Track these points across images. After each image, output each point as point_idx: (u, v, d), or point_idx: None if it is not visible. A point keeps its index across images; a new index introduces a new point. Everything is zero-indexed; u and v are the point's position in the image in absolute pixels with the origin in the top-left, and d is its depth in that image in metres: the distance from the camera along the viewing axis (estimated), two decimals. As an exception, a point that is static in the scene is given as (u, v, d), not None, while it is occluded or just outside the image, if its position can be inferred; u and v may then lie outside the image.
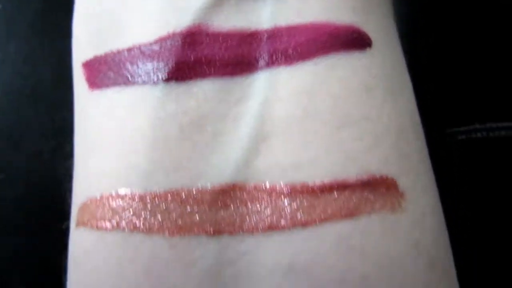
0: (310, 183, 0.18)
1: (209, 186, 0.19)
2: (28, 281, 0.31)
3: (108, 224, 0.19)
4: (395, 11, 0.23)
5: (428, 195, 0.20)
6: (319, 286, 0.18)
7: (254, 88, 0.19)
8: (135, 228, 0.18)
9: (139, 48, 0.20)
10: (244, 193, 0.19)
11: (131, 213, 0.18)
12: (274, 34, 0.20)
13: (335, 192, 0.18)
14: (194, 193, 0.18)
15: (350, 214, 0.18)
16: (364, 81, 0.20)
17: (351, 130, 0.19)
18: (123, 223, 0.18)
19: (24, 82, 0.35)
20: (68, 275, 0.20)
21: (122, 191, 0.19)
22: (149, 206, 0.18)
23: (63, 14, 0.25)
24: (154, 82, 0.19)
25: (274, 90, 0.19)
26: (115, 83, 0.20)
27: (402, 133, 0.20)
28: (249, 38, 0.20)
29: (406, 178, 0.19)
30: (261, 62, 0.20)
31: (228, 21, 0.20)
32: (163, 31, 0.20)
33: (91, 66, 0.21)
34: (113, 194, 0.19)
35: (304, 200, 0.18)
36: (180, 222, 0.18)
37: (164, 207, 0.18)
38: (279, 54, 0.19)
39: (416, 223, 0.19)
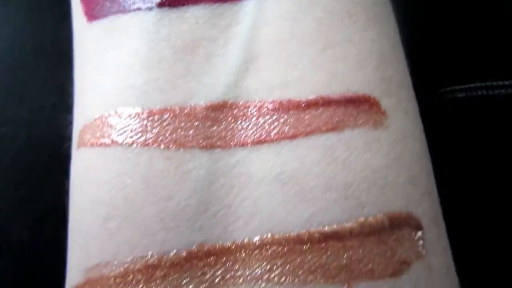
0: (297, 99, 0.20)
1: (201, 103, 0.20)
2: (30, 230, 0.32)
3: (107, 140, 0.20)
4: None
5: (409, 118, 0.22)
6: (306, 192, 0.19)
7: (243, 13, 0.21)
8: (132, 143, 0.19)
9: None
10: (235, 110, 0.20)
11: (129, 129, 0.20)
12: None
13: (320, 108, 0.20)
14: (188, 109, 0.20)
15: (335, 127, 0.20)
16: (346, 7, 0.21)
17: (335, 51, 0.20)
18: (121, 138, 0.20)
19: (25, 40, 0.36)
20: (70, 197, 0.21)
21: (120, 109, 0.20)
22: (145, 122, 0.20)
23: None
24: (148, 8, 0.20)
25: (262, 15, 0.21)
26: (111, 12, 0.21)
27: (384, 58, 0.21)
28: None
29: (388, 99, 0.21)
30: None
31: None
32: None
33: (88, 0, 0.22)
34: (112, 112, 0.20)
35: (291, 115, 0.20)
36: (174, 136, 0.19)
37: (159, 123, 0.20)
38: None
39: (398, 141, 0.20)
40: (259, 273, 0.18)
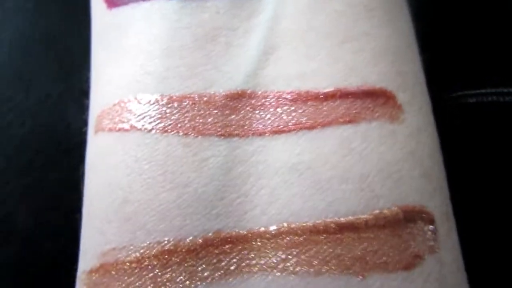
0: (315, 91, 0.20)
1: (221, 91, 0.20)
2: (35, 217, 0.32)
3: (126, 126, 0.20)
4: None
5: (423, 114, 0.22)
6: (322, 182, 0.19)
7: (264, 4, 0.21)
8: (151, 129, 0.20)
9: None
10: (253, 99, 0.20)
11: (148, 115, 0.20)
12: None
13: (337, 100, 0.20)
14: (207, 97, 0.20)
15: (352, 120, 0.20)
16: (364, 1, 0.21)
17: (353, 44, 0.20)
18: (140, 124, 0.20)
19: (34, 28, 0.36)
20: (86, 182, 0.21)
21: (140, 95, 0.20)
22: (164, 108, 0.20)
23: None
24: None
25: (282, 7, 0.21)
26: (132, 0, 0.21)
27: (399, 53, 0.21)
28: None
29: (403, 94, 0.21)
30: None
31: None
32: None
33: (109, -13, 0.22)
34: (131, 98, 0.20)
35: (309, 106, 0.20)
36: (193, 123, 0.20)
37: (178, 109, 0.20)
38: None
39: (412, 135, 0.21)
40: (274, 262, 0.19)
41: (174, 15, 0.20)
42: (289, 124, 0.19)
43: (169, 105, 0.20)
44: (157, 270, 0.19)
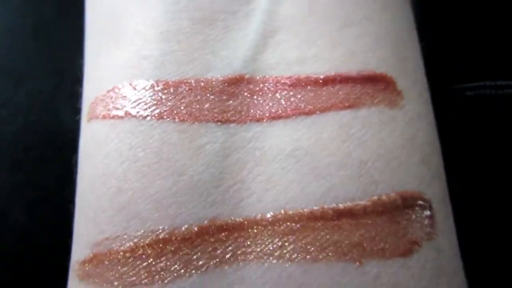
0: (314, 75, 0.20)
1: (218, 76, 0.20)
2: (29, 213, 0.32)
3: (120, 113, 0.19)
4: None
5: (422, 101, 0.22)
6: (321, 169, 0.19)
7: None
8: (146, 115, 0.19)
9: None
10: (251, 85, 0.20)
11: (143, 101, 0.19)
12: None
13: (337, 85, 0.20)
14: (204, 82, 0.19)
15: (351, 105, 0.19)
16: None
17: (353, 29, 0.20)
18: (135, 111, 0.19)
19: (25, 21, 0.35)
20: (79, 171, 0.21)
21: (135, 81, 0.20)
22: (160, 94, 0.19)
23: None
24: None
25: None
26: None
27: (400, 39, 0.21)
28: None
29: (403, 80, 0.21)
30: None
31: None
32: None
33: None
34: (126, 84, 0.20)
35: (308, 91, 0.19)
36: (189, 109, 0.19)
37: (174, 95, 0.19)
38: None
39: (412, 122, 0.20)
40: (270, 249, 0.18)
41: None
42: (288, 109, 0.19)
43: (165, 91, 0.19)
44: (151, 259, 0.18)
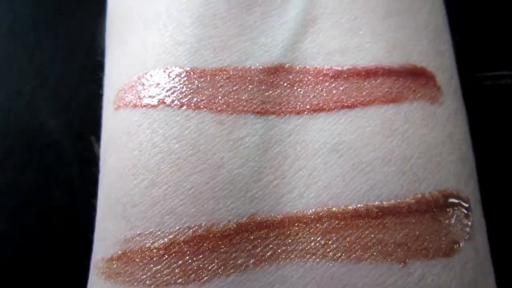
0: (357, 67, 0.19)
1: (257, 65, 0.19)
2: (12, 217, 0.30)
3: (154, 101, 0.18)
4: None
5: (458, 97, 0.21)
6: (364, 164, 0.18)
7: None
8: (182, 105, 0.18)
9: None
10: (291, 75, 0.19)
11: (178, 89, 0.18)
12: None
13: (380, 77, 0.19)
14: (243, 71, 0.18)
15: (394, 99, 0.19)
16: None
17: (394, 20, 0.19)
18: (170, 99, 0.18)
19: (1, 21, 0.33)
20: (103, 163, 0.20)
21: (169, 68, 0.18)
22: (196, 82, 0.18)
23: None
24: None
25: None
26: None
27: (438, 31, 0.21)
28: None
29: (442, 74, 0.20)
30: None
31: None
32: None
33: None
34: (160, 71, 0.18)
35: (350, 84, 0.19)
36: (227, 99, 0.18)
37: (212, 84, 0.18)
38: None
39: (451, 118, 0.20)
40: (313, 247, 0.18)
41: None
42: (329, 102, 0.18)
43: (202, 80, 0.18)
44: (187, 257, 0.17)
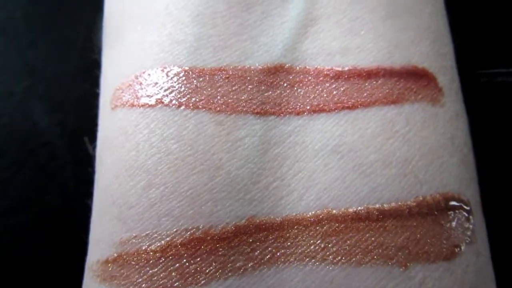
0: (358, 68, 0.18)
1: (257, 65, 0.18)
2: (5, 219, 0.30)
3: (151, 101, 0.18)
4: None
5: (459, 99, 0.21)
6: (365, 166, 0.18)
7: None
8: (180, 104, 0.18)
9: None
10: (291, 75, 0.18)
11: (176, 88, 0.18)
12: None
13: (381, 78, 0.19)
14: (242, 71, 0.18)
15: (395, 101, 0.19)
16: None
17: (396, 21, 0.19)
18: (168, 99, 0.18)
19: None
20: (99, 164, 0.19)
21: (168, 67, 0.18)
22: (195, 82, 0.18)
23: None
24: None
25: None
26: None
27: (439, 33, 0.20)
28: None
29: (443, 76, 0.20)
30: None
31: None
32: None
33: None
34: (158, 70, 0.18)
35: (351, 84, 0.18)
36: (226, 99, 0.18)
37: (211, 84, 0.18)
38: None
39: (452, 120, 0.20)
40: (312, 251, 0.17)
41: None
42: (330, 103, 0.18)
43: (201, 79, 0.18)
44: (184, 260, 0.17)
